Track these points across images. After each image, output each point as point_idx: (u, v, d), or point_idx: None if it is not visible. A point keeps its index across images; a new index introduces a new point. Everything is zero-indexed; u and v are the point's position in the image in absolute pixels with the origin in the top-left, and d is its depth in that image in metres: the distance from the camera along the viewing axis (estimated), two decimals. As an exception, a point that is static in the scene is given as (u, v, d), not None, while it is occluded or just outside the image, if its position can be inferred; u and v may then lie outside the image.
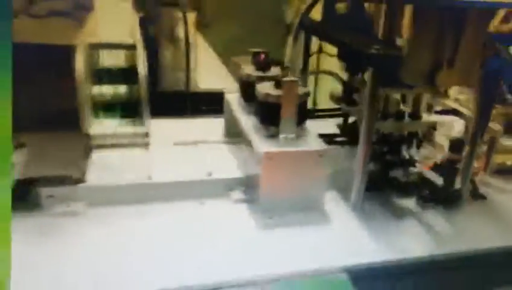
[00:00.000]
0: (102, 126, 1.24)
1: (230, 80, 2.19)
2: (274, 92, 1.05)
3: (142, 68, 1.23)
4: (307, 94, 1.08)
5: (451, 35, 1.00)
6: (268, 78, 1.17)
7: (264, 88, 1.08)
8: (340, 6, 1.29)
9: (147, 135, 1.26)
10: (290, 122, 1.04)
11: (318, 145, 1.03)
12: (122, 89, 1.37)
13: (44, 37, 1.31)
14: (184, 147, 1.31)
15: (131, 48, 1.39)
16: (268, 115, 1.06)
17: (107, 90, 1.31)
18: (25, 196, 0.99)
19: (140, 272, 0.84)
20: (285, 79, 1.03)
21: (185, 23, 1.90)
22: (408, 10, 1.04)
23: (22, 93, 1.17)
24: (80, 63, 1.18)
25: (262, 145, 1.01)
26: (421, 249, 0.97)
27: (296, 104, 1.04)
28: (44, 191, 1.01)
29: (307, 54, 1.41)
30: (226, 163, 1.22)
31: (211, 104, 1.84)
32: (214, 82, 2.12)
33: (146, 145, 1.27)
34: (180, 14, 1.91)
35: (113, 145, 1.23)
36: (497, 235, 1.04)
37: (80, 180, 1.03)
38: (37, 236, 0.94)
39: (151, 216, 1.03)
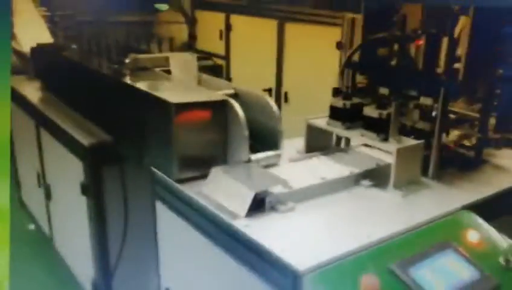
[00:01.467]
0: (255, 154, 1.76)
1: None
2: (384, 111, 1.75)
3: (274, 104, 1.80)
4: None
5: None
6: (361, 104, 1.85)
7: (373, 110, 1.77)
8: (382, 50, 2.04)
9: (280, 155, 1.82)
10: (396, 129, 1.75)
11: (416, 140, 1.76)
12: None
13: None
14: (301, 161, 1.90)
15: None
16: (382, 127, 1.75)
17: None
18: (262, 204, 1.50)
19: (343, 225, 1.46)
20: (393, 101, 1.73)
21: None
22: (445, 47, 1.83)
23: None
24: (238, 108, 1.70)
25: (390, 145, 1.70)
26: (487, 188, 1.76)
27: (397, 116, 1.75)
28: (268, 199, 1.53)
29: (354, 85, 2.12)
30: (342, 166, 1.86)
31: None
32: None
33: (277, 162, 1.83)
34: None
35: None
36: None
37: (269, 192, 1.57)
38: (274, 225, 1.46)
39: (329, 202, 1.62)
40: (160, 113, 1.72)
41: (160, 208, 1.85)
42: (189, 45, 5.97)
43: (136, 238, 2.12)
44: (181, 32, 6.31)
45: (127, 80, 2.02)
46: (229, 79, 5.26)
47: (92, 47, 2.68)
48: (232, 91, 1.96)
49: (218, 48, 5.28)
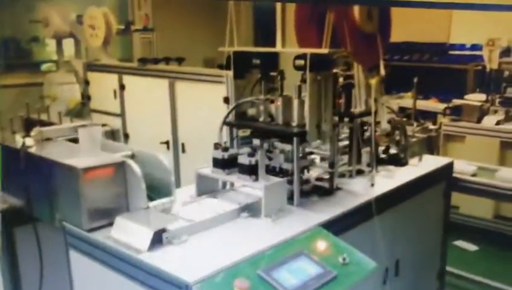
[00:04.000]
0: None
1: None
2: (252, 159, 2.36)
3: (166, 161, 2.34)
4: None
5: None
6: (236, 155, 2.45)
7: (245, 158, 2.37)
8: (252, 110, 2.69)
9: (173, 201, 2.35)
10: (263, 171, 2.36)
11: (280, 178, 2.39)
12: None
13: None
14: (192, 203, 2.45)
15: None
16: (252, 171, 2.35)
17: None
18: (160, 240, 2.01)
19: (225, 248, 2.02)
20: (259, 151, 2.35)
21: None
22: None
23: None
24: (135, 167, 2.22)
25: (260, 184, 2.30)
26: (337, 209, 2.42)
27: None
28: (164, 235, 2.04)
29: (232, 137, 2.73)
30: (225, 204, 2.42)
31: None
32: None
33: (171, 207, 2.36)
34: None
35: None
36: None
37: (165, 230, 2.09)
38: (170, 254, 1.98)
39: (215, 232, 2.17)
40: (69, 177, 2.18)
41: (74, 256, 2.28)
42: (83, 104, 6.34)
43: (51, 287, 2.50)
44: (73, 93, 6.68)
45: (36, 151, 2.46)
46: (126, 135, 5.72)
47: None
48: (129, 152, 2.47)
49: (113, 106, 5.72)
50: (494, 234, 5.01)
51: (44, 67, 8.71)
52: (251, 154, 2.38)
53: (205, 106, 4.58)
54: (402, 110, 5.78)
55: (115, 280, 2.06)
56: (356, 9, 2.53)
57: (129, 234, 2.07)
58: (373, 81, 2.81)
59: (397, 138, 3.30)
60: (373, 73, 2.87)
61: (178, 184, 4.86)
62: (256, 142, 2.68)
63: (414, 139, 3.37)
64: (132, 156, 2.46)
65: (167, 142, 5.09)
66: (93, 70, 5.89)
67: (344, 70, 2.94)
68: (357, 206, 2.55)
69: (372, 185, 2.81)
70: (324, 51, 2.41)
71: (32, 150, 2.49)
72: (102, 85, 5.84)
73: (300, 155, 2.57)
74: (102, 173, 2.19)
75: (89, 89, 6.08)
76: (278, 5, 2.42)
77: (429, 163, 3.32)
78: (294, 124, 2.52)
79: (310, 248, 2.06)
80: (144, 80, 5.25)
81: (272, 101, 2.59)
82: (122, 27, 6.22)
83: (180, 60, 5.51)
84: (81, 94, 6.35)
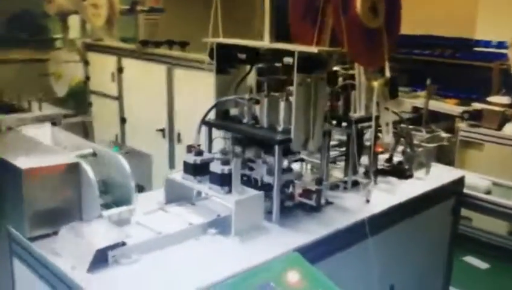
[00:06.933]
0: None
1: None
2: (225, 168, 2.06)
3: (126, 163, 2.05)
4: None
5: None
6: (209, 160, 2.16)
7: (218, 166, 2.07)
8: (234, 110, 2.38)
9: (133, 209, 2.07)
10: (237, 182, 2.06)
11: (255, 191, 2.08)
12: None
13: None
14: (157, 211, 2.17)
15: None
16: (225, 181, 2.05)
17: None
18: (105, 259, 1.74)
19: (179, 273, 1.75)
20: (235, 160, 2.05)
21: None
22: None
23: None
24: (89, 171, 1.94)
25: (231, 197, 2.01)
26: (322, 229, 2.12)
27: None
28: (111, 254, 1.76)
29: (210, 140, 2.43)
30: (194, 216, 2.14)
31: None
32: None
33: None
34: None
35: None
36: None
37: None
38: (114, 278, 1.71)
39: (176, 250, 1.90)
40: (12, 177, 1.92)
41: (17, 265, 2.02)
42: (85, 84, 6.10)
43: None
44: (77, 71, 6.43)
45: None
46: (123, 119, 5.46)
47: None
48: (90, 151, 2.19)
49: (111, 89, 5.47)
50: (508, 252, 4.63)
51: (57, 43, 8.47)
52: (225, 162, 2.08)
53: (204, 96, 4.27)
54: (415, 110, 5.42)
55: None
56: (358, 0, 2.19)
57: (71, 249, 1.80)
58: (376, 84, 2.47)
59: (402, 147, 2.97)
60: (377, 74, 2.53)
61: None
62: (237, 150, 2.39)
63: (421, 149, 3.02)
64: (94, 155, 2.19)
65: (163, 130, 4.84)
66: (93, 50, 5.64)
67: (345, 68, 2.61)
68: (347, 226, 2.24)
69: (368, 201, 2.49)
70: (314, 49, 2.07)
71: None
72: (102, 66, 5.60)
73: (285, 167, 2.26)
74: (50, 174, 1.91)
75: (89, 70, 5.85)
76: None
77: (438, 176, 2.97)
78: (280, 128, 2.21)
79: (278, 280, 1.77)
80: (142, 64, 4.98)
81: (257, 102, 2.28)
82: (127, 7, 5.90)
83: (183, 44, 5.17)
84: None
